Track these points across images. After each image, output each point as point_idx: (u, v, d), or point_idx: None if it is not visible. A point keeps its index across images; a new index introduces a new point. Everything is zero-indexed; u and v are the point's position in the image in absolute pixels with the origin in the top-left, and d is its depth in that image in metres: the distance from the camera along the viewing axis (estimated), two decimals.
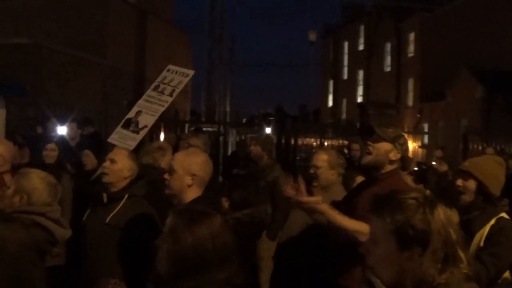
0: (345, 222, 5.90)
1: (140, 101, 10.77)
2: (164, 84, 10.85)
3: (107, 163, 7.20)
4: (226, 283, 3.86)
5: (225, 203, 9.06)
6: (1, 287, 5.14)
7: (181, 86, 10.76)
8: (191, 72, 11.17)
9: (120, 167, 7.08)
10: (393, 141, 6.49)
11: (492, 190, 6.52)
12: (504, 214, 6.46)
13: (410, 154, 24.86)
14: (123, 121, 10.41)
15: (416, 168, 13.71)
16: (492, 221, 6.29)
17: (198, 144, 10.57)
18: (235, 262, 4.03)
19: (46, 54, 31.28)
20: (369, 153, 6.53)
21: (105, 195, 7.07)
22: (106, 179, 7.10)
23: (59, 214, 5.70)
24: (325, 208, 5.90)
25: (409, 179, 9.98)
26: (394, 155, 6.47)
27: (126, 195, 6.97)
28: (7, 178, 8.44)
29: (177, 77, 10.88)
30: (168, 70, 11.06)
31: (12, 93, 21.67)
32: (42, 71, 29.94)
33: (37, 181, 5.74)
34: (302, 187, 5.92)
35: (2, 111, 19.81)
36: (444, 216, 3.31)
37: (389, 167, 6.51)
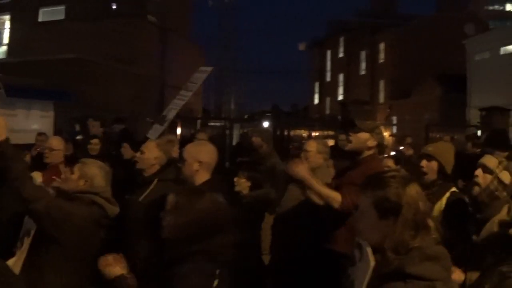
0: (322, 189, 6.18)
1: (174, 100, 10.89)
2: (191, 82, 10.95)
3: (138, 153, 7.57)
4: (225, 245, 4.06)
5: (245, 184, 9.05)
6: (69, 252, 5.23)
7: (200, 81, 10.82)
8: (209, 69, 11.25)
9: (147, 156, 7.37)
10: (370, 131, 6.68)
11: (448, 170, 6.67)
12: (454, 188, 6.60)
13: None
14: (160, 118, 10.56)
15: (393, 153, 13.73)
16: (447, 194, 6.42)
17: (204, 138, 10.68)
18: (230, 230, 4.22)
19: (87, 66, 31.56)
20: (350, 141, 6.68)
21: (140, 179, 7.36)
22: (137, 166, 7.47)
23: (109, 194, 5.82)
24: (307, 176, 6.33)
25: (390, 162, 10.09)
26: (372, 143, 6.64)
27: (156, 179, 7.17)
28: (62, 167, 8.58)
29: (200, 75, 10.96)
30: (199, 71, 11.14)
31: (59, 98, 21.76)
32: (85, 79, 30.11)
33: (97, 169, 5.90)
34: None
35: (51, 113, 19.94)
36: (415, 191, 3.40)
37: (367, 153, 6.71)
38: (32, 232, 5.47)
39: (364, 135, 6.66)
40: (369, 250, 3.38)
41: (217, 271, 4.01)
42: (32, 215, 5.31)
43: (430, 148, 6.92)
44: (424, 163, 6.70)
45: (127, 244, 6.91)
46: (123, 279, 4.52)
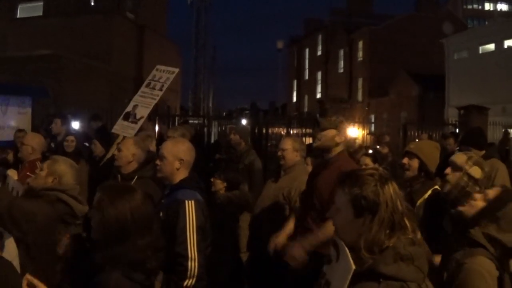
0: (320, 238, 6.10)
1: (136, 97, 10.79)
2: (154, 81, 10.86)
3: (116, 151, 7.51)
4: (147, 248, 3.97)
5: (221, 185, 9.09)
6: (33, 252, 5.17)
7: (168, 82, 10.75)
8: (176, 70, 11.19)
9: (125, 154, 7.33)
10: (336, 127, 6.68)
11: (431, 168, 6.75)
12: (437, 187, 6.62)
13: (360, 140, 25.01)
14: (123, 114, 10.46)
15: (370, 151, 13.73)
16: (429, 192, 6.50)
17: (175, 135, 10.61)
18: (155, 230, 4.14)
19: (64, 63, 31.48)
20: (319, 139, 6.73)
21: (119, 176, 7.33)
22: (115, 163, 7.44)
23: (77, 192, 5.75)
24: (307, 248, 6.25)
25: (368, 160, 10.14)
26: (339, 138, 6.66)
27: (136, 177, 7.15)
28: (39, 164, 8.56)
29: (164, 75, 10.88)
30: (157, 70, 11.08)
31: (37, 95, 21.56)
32: (61, 76, 30.07)
33: (66, 166, 5.89)
34: None
35: (29, 110, 19.72)
36: (393, 190, 3.37)
37: (336, 149, 6.70)
38: (9, 236, 5.40)
39: (330, 132, 6.67)
40: (347, 251, 3.32)
41: (146, 281, 3.97)
42: None
43: (412, 146, 7.05)
44: (405, 160, 6.83)
45: None
46: None
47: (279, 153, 8.26)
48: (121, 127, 10.27)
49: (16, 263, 5.03)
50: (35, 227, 5.04)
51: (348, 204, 3.37)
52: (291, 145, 8.20)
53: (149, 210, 4.13)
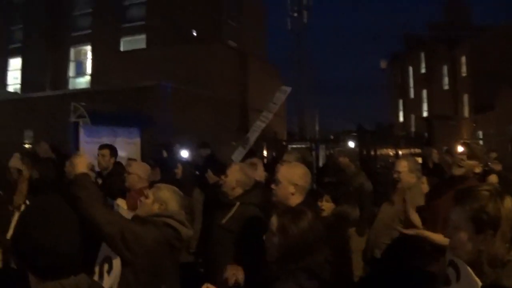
0: (434, 237, 6.18)
1: (257, 122, 10.85)
2: (272, 103, 10.88)
3: (223, 177, 7.58)
4: (323, 262, 4.31)
5: (331, 206, 9.02)
6: (140, 274, 5.28)
7: (279, 102, 10.75)
8: (288, 89, 11.18)
9: (229, 179, 7.38)
10: (481, 159, 6.57)
11: None
12: None
13: None
14: (243, 141, 10.54)
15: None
16: None
17: (290, 159, 10.58)
18: (326, 246, 4.46)
19: (169, 92, 31.95)
20: (461, 166, 6.57)
21: (222, 202, 7.38)
22: (221, 188, 7.50)
23: (184, 217, 5.85)
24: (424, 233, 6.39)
25: (494, 178, 10.01)
26: (478, 169, 6.61)
27: (238, 203, 7.16)
28: (146, 192, 8.59)
29: (279, 95, 10.91)
30: (280, 91, 11.10)
31: (145, 125, 21.96)
32: (166, 105, 30.51)
33: (170, 193, 5.99)
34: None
35: (137, 140, 20.06)
36: (511, 204, 3.41)
37: (470, 176, 6.64)
38: (117, 258, 5.45)
39: (474, 163, 6.62)
40: (469, 269, 3.33)
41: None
42: (106, 238, 5.35)
43: None
44: None
45: (211, 266, 7.14)
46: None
47: (395, 176, 8.14)
48: (237, 153, 10.36)
49: (115, 281, 5.31)
50: (145, 250, 5.33)
51: (468, 221, 3.42)
52: (407, 166, 8.10)
53: (322, 228, 4.52)
